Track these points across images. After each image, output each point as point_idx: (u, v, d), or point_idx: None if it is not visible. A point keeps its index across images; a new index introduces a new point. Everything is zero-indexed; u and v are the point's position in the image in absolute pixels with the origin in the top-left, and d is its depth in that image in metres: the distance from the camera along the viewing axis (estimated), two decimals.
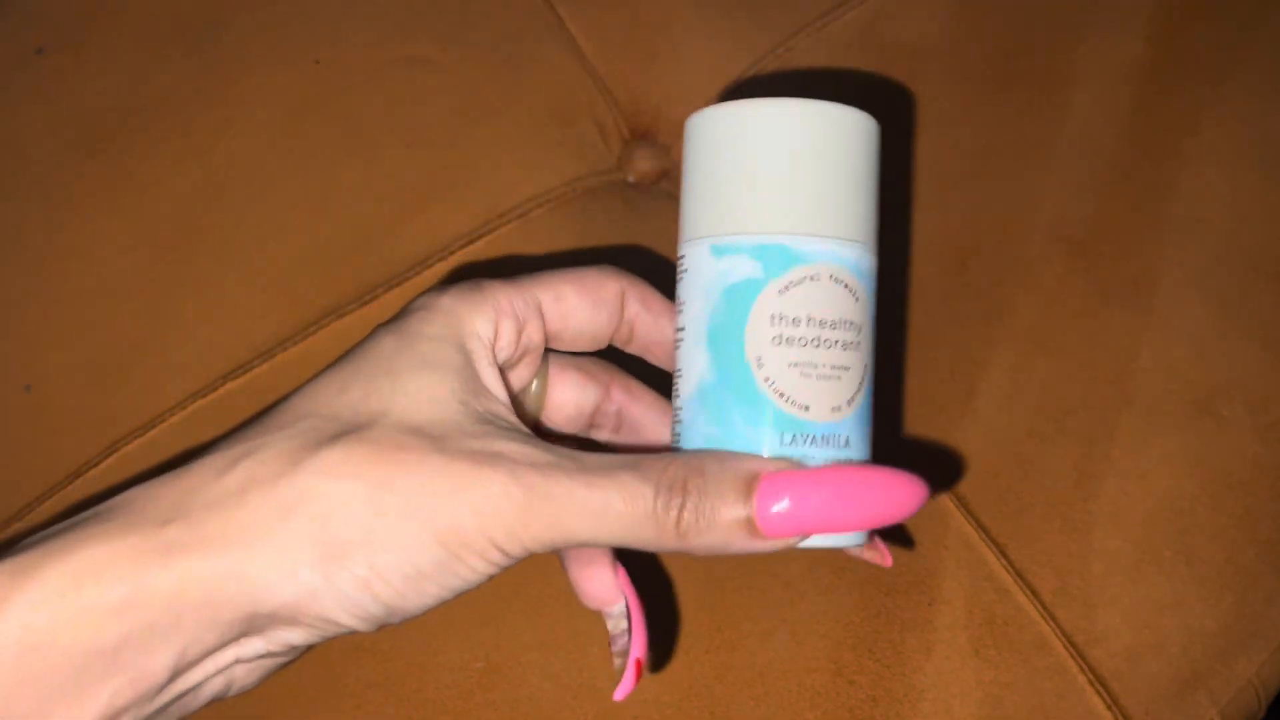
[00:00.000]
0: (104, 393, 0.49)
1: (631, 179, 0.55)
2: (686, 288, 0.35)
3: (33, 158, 0.54)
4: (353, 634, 0.32)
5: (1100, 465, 0.48)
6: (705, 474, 0.32)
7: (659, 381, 0.39)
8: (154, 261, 0.51)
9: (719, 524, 0.31)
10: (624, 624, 0.35)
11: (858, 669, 0.45)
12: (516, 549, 0.31)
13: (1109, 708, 0.45)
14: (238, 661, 0.31)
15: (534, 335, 0.36)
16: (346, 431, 0.31)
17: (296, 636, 0.31)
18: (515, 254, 0.51)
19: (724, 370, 0.34)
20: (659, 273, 0.51)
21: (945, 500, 0.47)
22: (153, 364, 0.49)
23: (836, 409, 0.33)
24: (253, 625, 0.30)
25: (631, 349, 0.39)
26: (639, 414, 0.39)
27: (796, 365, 0.33)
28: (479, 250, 0.51)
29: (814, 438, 0.33)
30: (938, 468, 0.47)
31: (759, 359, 0.33)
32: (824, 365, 0.33)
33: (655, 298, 0.38)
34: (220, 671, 0.31)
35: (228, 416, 0.48)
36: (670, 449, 0.36)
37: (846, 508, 0.32)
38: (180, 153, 0.53)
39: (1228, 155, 0.54)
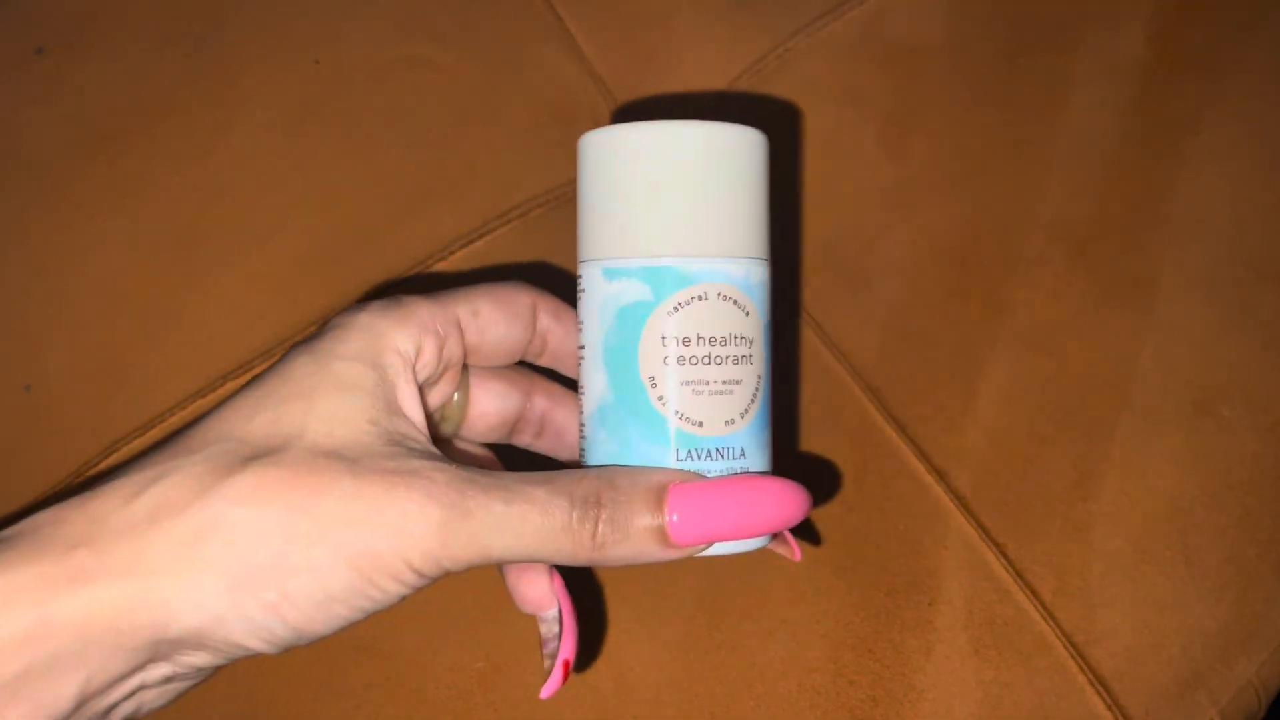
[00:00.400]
0: (104, 393, 0.49)
1: None
2: (584, 307, 0.36)
3: (33, 158, 0.54)
4: (256, 655, 0.32)
5: (1100, 465, 0.48)
6: (617, 486, 0.33)
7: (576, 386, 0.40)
8: (154, 261, 0.51)
9: (633, 534, 0.32)
10: (556, 628, 0.36)
11: (858, 669, 0.45)
12: (432, 569, 0.31)
13: (1109, 708, 0.45)
14: (143, 687, 0.31)
15: (454, 350, 0.36)
16: (258, 456, 0.31)
17: (202, 660, 0.31)
18: (515, 254, 0.51)
19: (621, 389, 0.35)
20: None
21: (945, 500, 0.47)
22: (153, 364, 0.49)
23: (730, 422, 0.35)
24: (158, 651, 0.30)
25: (544, 361, 0.39)
26: (562, 418, 0.40)
27: (689, 383, 0.34)
28: (479, 250, 0.51)
29: (709, 451, 0.35)
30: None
31: (652, 378, 0.34)
32: (716, 381, 0.35)
33: (565, 310, 0.38)
34: (126, 698, 0.31)
35: None
36: (578, 464, 0.37)
37: (745, 515, 0.33)
38: (180, 153, 0.53)
39: (1228, 155, 0.54)
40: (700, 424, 0.34)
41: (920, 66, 0.55)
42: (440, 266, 0.51)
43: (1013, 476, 0.48)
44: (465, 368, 0.38)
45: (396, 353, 0.34)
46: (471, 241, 0.51)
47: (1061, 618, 0.46)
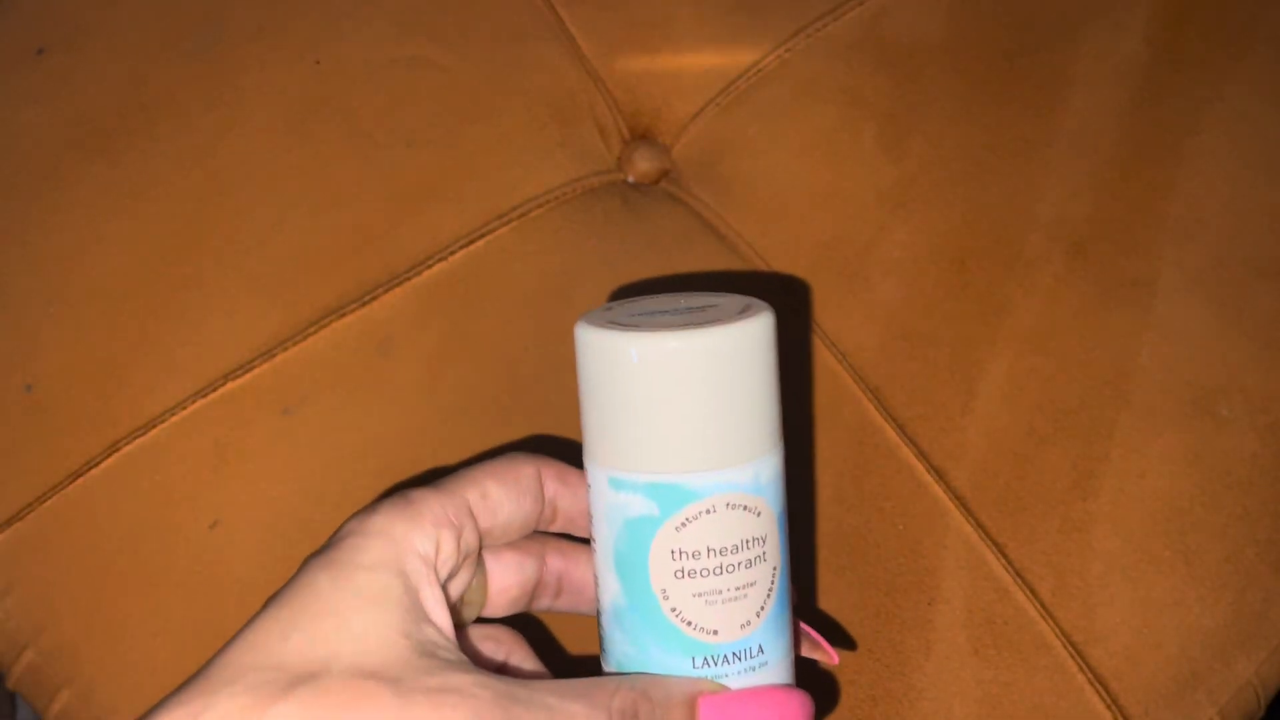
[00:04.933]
0: (104, 393, 0.49)
1: (631, 179, 0.55)
2: (594, 505, 0.35)
3: (33, 158, 0.54)
4: None
5: (1099, 465, 0.48)
6: (652, 699, 0.33)
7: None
8: (154, 261, 0.51)
9: None
10: None
11: (857, 669, 0.45)
12: None
13: (1108, 707, 0.45)
14: None
15: (470, 539, 0.35)
16: (297, 683, 0.31)
17: None
18: (515, 254, 0.51)
19: (633, 597, 0.34)
20: (659, 273, 0.51)
21: (945, 500, 0.47)
22: (153, 364, 0.49)
23: (745, 624, 0.34)
24: None
25: (556, 528, 0.38)
26: (579, 575, 0.39)
27: (701, 595, 0.34)
28: (479, 250, 0.51)
29: (726, 656, 0.34)
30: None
31: (664, 591, 0.34)
32: (728, 589, 0.34)
33: (570, 471, 0.38)
34: None
35: (228, 416, 0.48)
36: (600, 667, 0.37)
37: None
38: (180, 153, 0.53)
39: (1227, 155, 0.54)
40: (715, 632, 0.34)
41: (920, 66, 0.55)
42: (440, 266, 0.51)
43: (1012, 476, 0.48)
44: (480, 552, 0.37)
45: (417, 555, 0.33)
46: (471, 241, 0.51)
47: (1061, 617, 0.46)
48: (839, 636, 0.45)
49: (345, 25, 0.56)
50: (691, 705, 0.33)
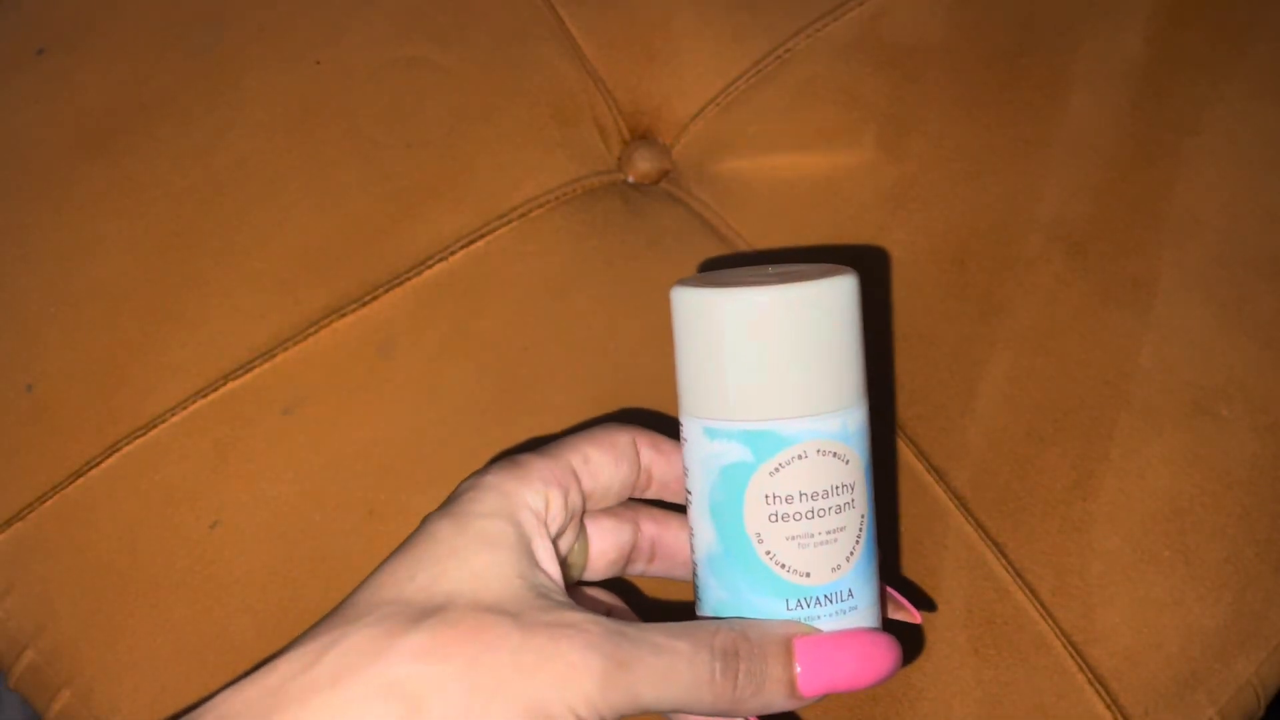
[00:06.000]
0: (104, 393, 0.49)
1: (631, 179, 0.55)
2: (689, 457, 0.37)
3: (33, 158, 0.54)
4: None
5: (1099, 465, 0.48)
6: (750, 640, 0.34)
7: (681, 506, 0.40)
8: (154, 261, 0.51)
9: (767, 686, 0.34)
10: None
11: None
12: (592, 717, 0.32)
13: (1108, 707, 0.45)
14: None
15: (576, 499, 0.37)
16: (425, 615, 0.32)
17: None
18: (515, 254, 0.51)
19: (728, 543, 0.36)
20: (659, 273, 0.51)
21: (944, 499, 0.47)
22: (153, 364, 0.49)
23: (836, 568, 0.36)
24: None
25: (651, 494, 0.40)
26: (672, 540, 0.40)
27: (794, 538, 0.36)
28: (479, 250, 0.51)
29: (818, 599, 0.36)
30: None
31: (758, 535, 0.36)
32: (820, 533, 0.36)
33: (663, 440, 0.39)
34: None
35: (228, 416, 0.48)
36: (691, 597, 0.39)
37: (861, 668, 0.35)
38: (180, 153, 0.53)
39: (1227, 155, 0.54)
40: (808, 574, 0.36)
41: (920, 66, 0.55)
42: (440, 266, 0.51)
43: (1011, 476, 0.48)
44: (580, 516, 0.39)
45: (529, 509, 0.35)
46: (472, 241, 0.51)
47: (1060, 617, 0.46)
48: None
49: (345, 25, 0.56)
50: (787, 645, 0.35)
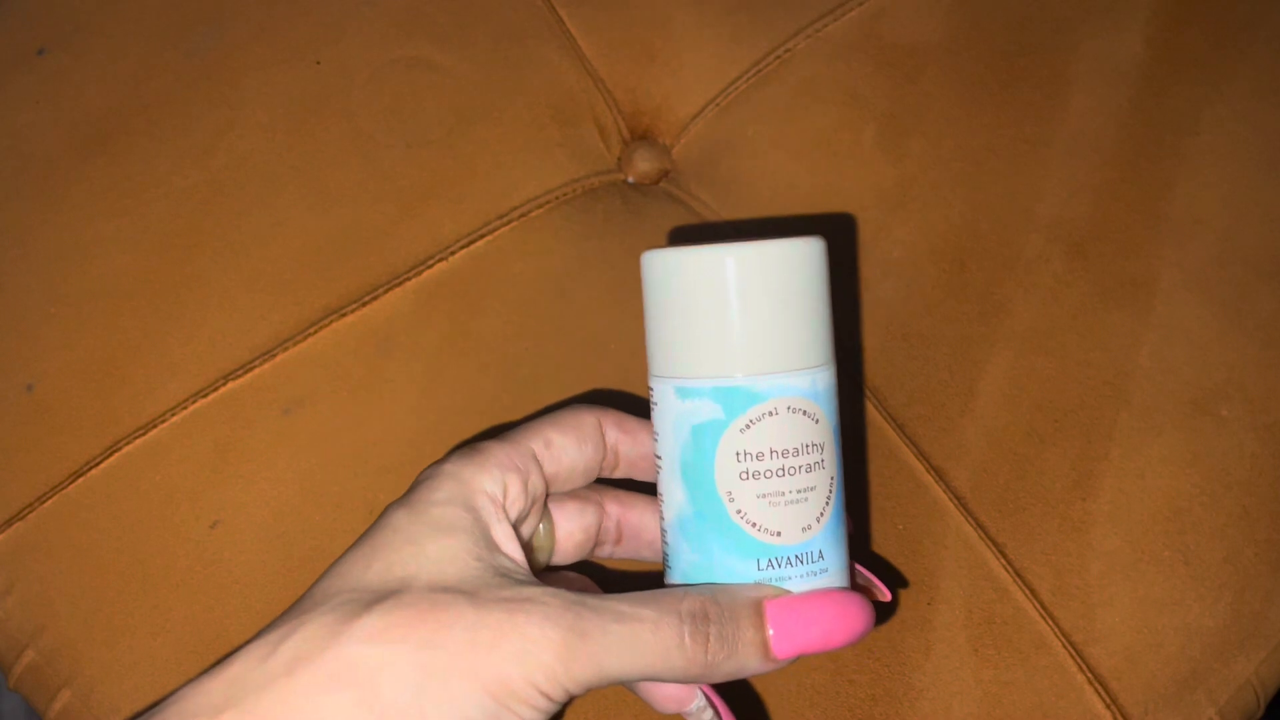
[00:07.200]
0: (104, 393, 0.49)
1: (631, 179, 0.55)
2: (659, 420, 0.38)
3: (33, 158, 0.54)
4: None
5: (1099, 465, 0.48)
6: (720, 603, 0.34)
7: (647, 487, 0.40)
8: (154, 261, 0.51)
9: (740, 648, 0.34)
10: (707, 713, 0.37)
11: (857, 669, 0.45)
12: (558, 692, 0.32)
13: (1108, 707, 0.45)
14: None
15: (537, 484, 0.37)
16: (379, 599, 0.33)
17: None
18: (515, 254, 0.51)
19: (699, 503, 0.36)
20: None
21: (944, 499, 0.47)
22: (153, 364, 0.49)
23: (806, 528, 0.36)
24: None
25: (619, 474, 0.40)
26: (637, 520, 0.40)
27: (764, 496, 0.36)
28: (479, 250, 0.51)
29: (789, 559, 0.36)
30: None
31: (729, 494, 0.36)
32: (790, 492, 0.36)
33: (629, 419, 0.40)
34: None
35: (228, 416, 0.48)
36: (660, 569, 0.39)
37: (833, 628, 0.35)
38: (180, 153, 0.53)
39: (1227, 155, 0.54)
40: (779, 533, 0.36)
41: (920, 66, 0.55)
42: (440, 266, 0.51)
43: (1011, 476, 0.48)
44: (545, 499, 0.39)
45: (485, 495, 0.35)
46: (472, 241, 0.51)
47: (1060, 617, 0.46)
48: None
49: (346, 26, 0.56)
50: (758, 607, 0.35)
